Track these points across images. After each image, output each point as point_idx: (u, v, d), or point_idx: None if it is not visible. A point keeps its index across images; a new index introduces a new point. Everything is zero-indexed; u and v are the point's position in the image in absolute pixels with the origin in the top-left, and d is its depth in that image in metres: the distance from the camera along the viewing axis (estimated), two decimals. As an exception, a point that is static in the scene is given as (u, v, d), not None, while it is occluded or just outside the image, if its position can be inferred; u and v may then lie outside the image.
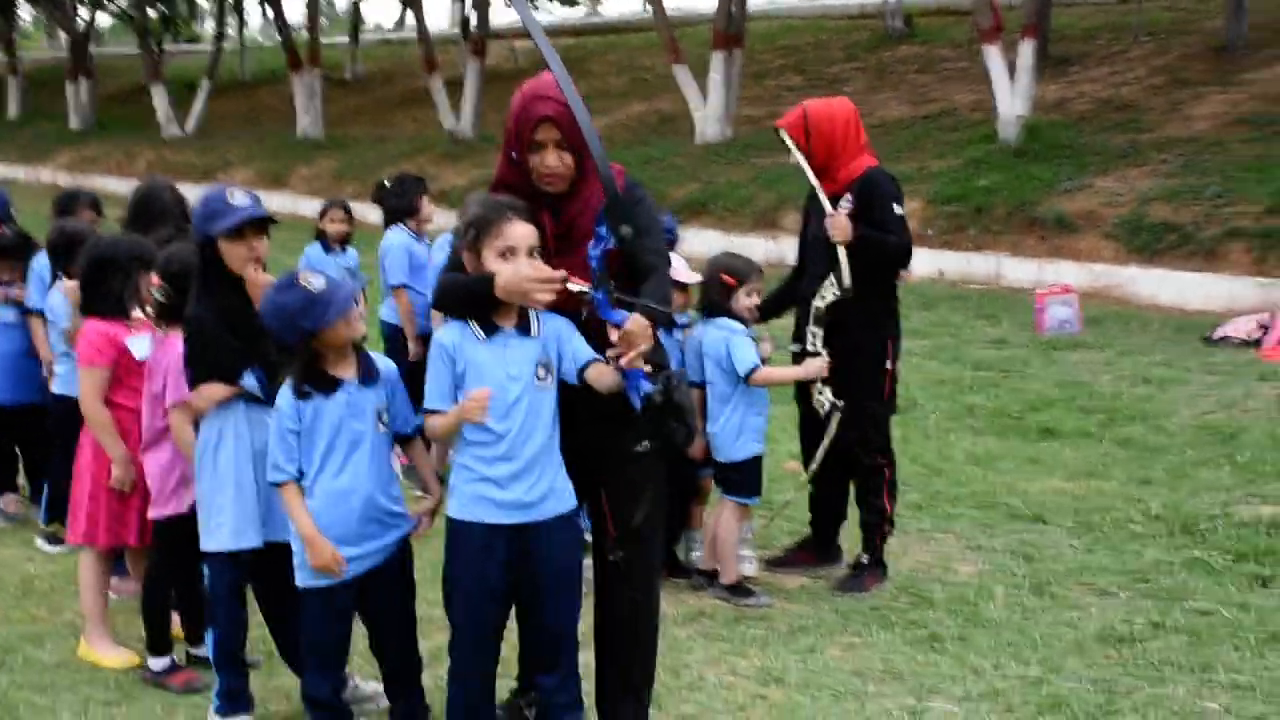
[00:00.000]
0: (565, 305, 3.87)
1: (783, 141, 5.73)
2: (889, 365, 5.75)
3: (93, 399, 4.96)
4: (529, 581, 3.92)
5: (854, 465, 5.83)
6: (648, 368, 3.65)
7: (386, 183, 7.82)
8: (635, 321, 3.61)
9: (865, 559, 5.81)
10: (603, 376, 3.80)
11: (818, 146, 5.61)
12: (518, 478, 3.84)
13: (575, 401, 3.95)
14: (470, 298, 3.87)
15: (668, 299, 3.92)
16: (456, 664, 4.01)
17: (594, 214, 3.91)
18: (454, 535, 3.94)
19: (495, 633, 4.01)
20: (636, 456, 3.93)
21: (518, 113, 3.89)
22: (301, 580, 4.05)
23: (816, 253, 5.68)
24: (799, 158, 5.64)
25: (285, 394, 3.96)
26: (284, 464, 3.96)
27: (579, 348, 3.88)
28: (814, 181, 5.61)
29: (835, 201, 5.58)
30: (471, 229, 3.83)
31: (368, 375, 4.06)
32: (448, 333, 3.92)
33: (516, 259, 3.77)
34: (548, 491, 3.89)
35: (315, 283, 3.96)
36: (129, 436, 4.96)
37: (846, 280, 5.47)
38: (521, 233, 3.78)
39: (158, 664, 4.83)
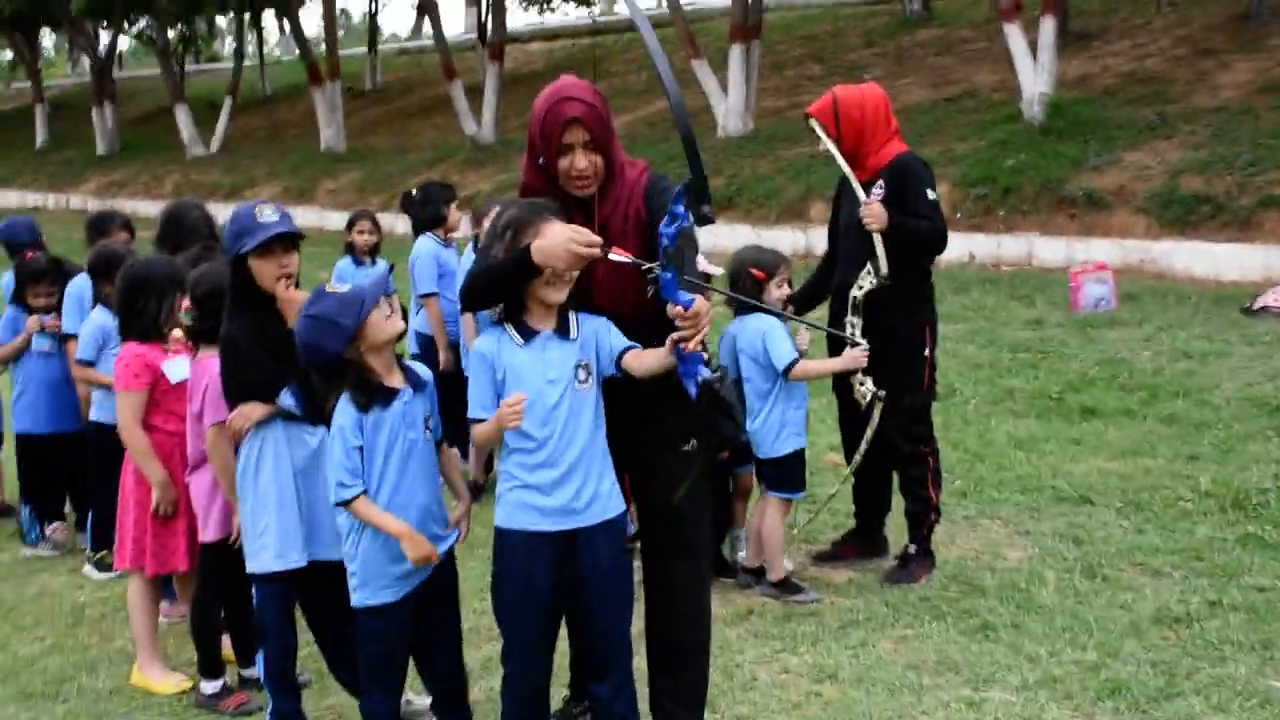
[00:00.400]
0: (606, 303, 3.85)
1: (812, 130, 5.69)
2: (928, 353, 5.70)
3: (131, 423, 4.96)
4: (577, 589, 3.89)
5: (896, 455, 5.78)
6: (707, 354, 3.58)
7: (414, 192, 7.82)
8: (702, 303, 3.53)
9: (913, 549, 5.76)
10: (641, 360, 3.76)
11: (848, 133, 5.57)
12: (561, 483, 3.81)
13: (610, 406, 3.92)
14: (504, 277, 3.78)
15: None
16: (509, 673, 3.99)
17: (624, 213, 3.87)
18: (500, 544, 3.91)
19: (545, 641, 3.98)
20: (679, 454, 3.89)
21: (542, 117, 3.85)
22: (360, 600, 4.01)
23: (851, 241, 5.64)
24: (830, 145, 5.60)
25: (345, 410, 3.91)
26: (349, 481, 3.89)
27: (615, 340, 3.85)
28: (846, 169, 5.57)
29: (867, 189, 5.53)
30: (509, 229, 3.78)
31: (417, 383, 4.03)
32: (486, 340, 3.89)
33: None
34: (593, 496, 3.85)
35: (341, 288, 3.94)
36: (169, 460, 4.97)
37: (884, 268, 5.42)
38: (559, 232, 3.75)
39: (210, 687, 4.82)
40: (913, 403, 5.69)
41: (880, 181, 5.55)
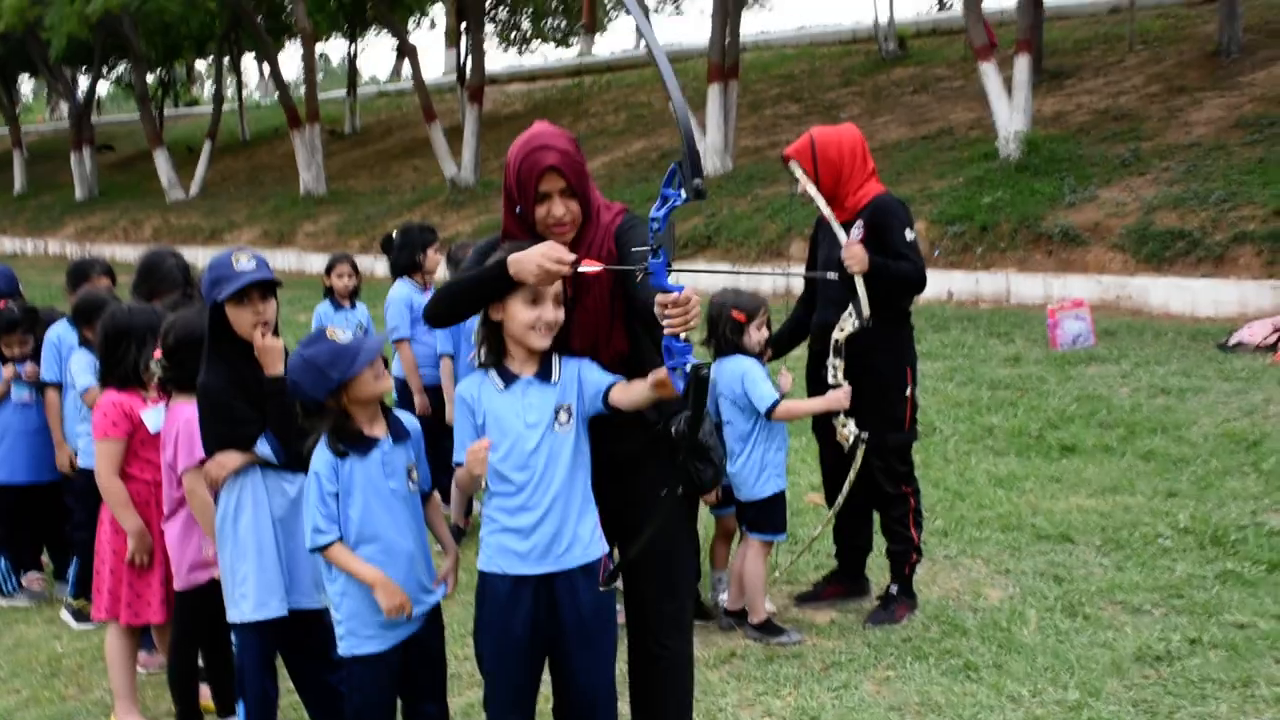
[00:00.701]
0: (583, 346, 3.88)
1: (789, 171, 5.72)
2: (909, 393, 5.72)
3: (107, 472, 4.95)
4: (558, 634, 3.87)
5: (877, 495, 5.79)
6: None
7: (393, 235, 7.82)
8: (691, 291, 3.47)
9: (894, 589, 5.76)
10: (628, 393, 3.74)
11: (825, 174, 5.61)
12: (539, 525, 3.79)
13: (593, 446, 3.92)
14: (476, 287, 3.80)
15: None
16: (491, 718, 3.97)
17: (597, 253, 3.84)
18: (481, 587, 3.90)
19: (526, 686, 3.95)
20: (659, 499, 3.89)
21: (518, 166, 3.84)
22: (346, 649, 3.98)
23: (830, 282, 5.66)
24: (809, 186, 5.62)
25: (321, 454, 3.92)
26: (325, 526, 3.90)
27: (599, 378, 3.84)
28: (825, 210, 5.59)
29: (846, 229, 5.57)
30: (497, 297, 3.79)
31: (399, 433, 4.04)
32: (468, 385, 3.89)
33: (544, 304, 3.75)
34: (572, 539, 3.84)
35: (341, 336, 3.95)
36: (146, 508, 4.96)
37: (866, 311, 5.44)
38: None
39: None
40: (895, 442, 5.70)
41: (859, 222, 5.58)
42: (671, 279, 3.43)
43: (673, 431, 3.84)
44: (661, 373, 3.53)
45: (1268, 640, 5.16)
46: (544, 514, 3.79)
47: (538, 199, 3.83)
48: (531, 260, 3.62)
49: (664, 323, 3.43)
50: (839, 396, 5.48)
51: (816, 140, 5.67)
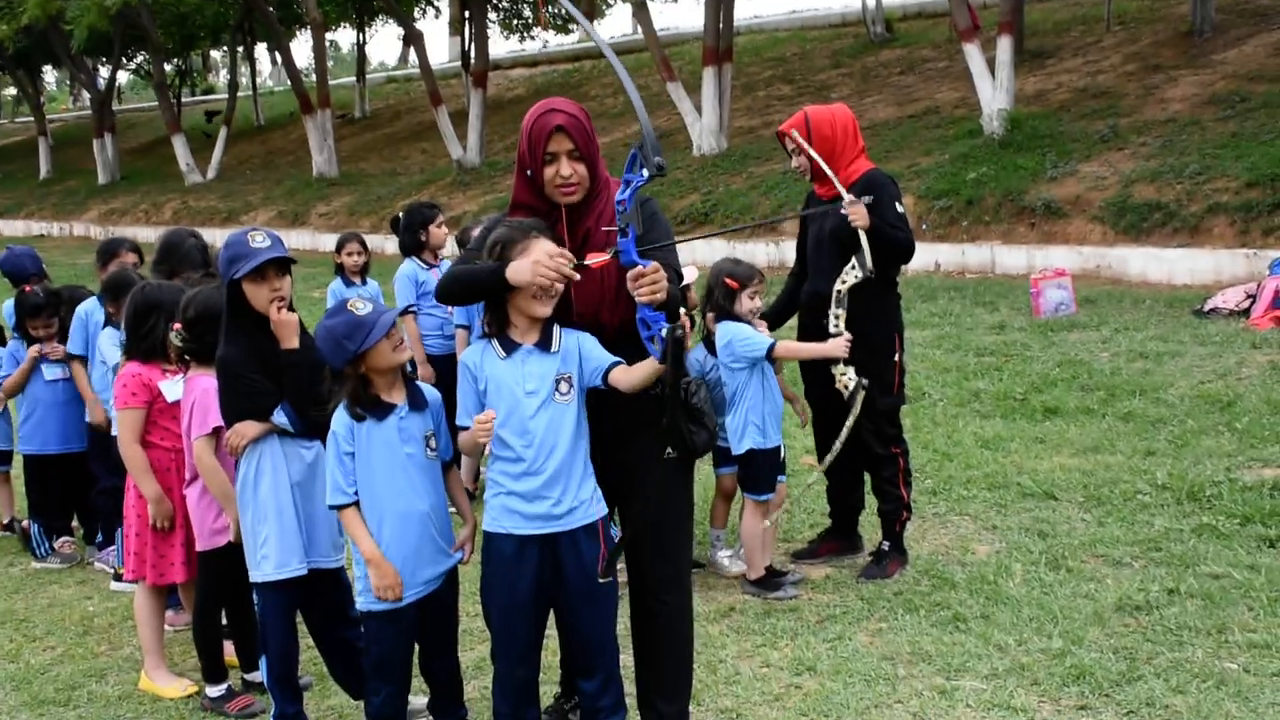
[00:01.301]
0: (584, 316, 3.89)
1: (784, 147, 5.71)
2: (897, 358, 5.72)
3: (129, 440, 4.97)
4: (561, 590, 3.89)
5: (868, 457, 5.79)
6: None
7: (400, 216, 7.82)
8: (655, 264, 3.52)
9: (886, 546, 5.77)
10: (629, 375, 3.75)
11: (820, 149, 5.58)
12: (542, 491, 3.80)
13: (597, 414, 3.92)
14: (479, 286, 3.83)
15: (674, 303, 3.86)
16: (499, 671, 3.98)
17: (607, 224, 3.86)
18: (488, 547, 3.91)
19: (532, 640, 3.96)
20: (650, 467, 3.87)
21: (529, 128, 3.87)
22: (364, 604, 4.01)
23: (823, 254, 5.65)
24: (810, 151, 5.58)
25: (340, 417, 3.93)
26: (345, 486, 3.92)
27: (600, 354, 3.85)
28: (828, 170, 5.54)
29: (837, 202, 5.55)
30: (498, 246, 3.79)
31: (417, 402, 4.04)
32: (471, 352, 3.90)
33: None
34: (575, 503, 3.84)
35: (361, 308, 3.95)
36: (168, 475, 4.98)
37: (869, 263, 5.40)
38: (548, 251, 3.75)
39: (214, 691, 4.80)
40: (884, 406, 5.71)
41: (851, 197, 5.55)
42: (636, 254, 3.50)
43: (663, 394, 3.86)
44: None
45: (1241, 589, 5.17)
46: (548, 480, 3.80)
47: (546, 160, 3.84)
48: (526, 270, 3.66)
49: (635, 294, 3.48)
50: (839, 343, 5.45)
51: (811, 117, 5.65)
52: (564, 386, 3.83)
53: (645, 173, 3.51)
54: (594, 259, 3.69)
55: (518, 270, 3.68)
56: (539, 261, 3.63)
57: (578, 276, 3.68)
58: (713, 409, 4.00)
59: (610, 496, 4.03)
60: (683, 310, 3.69)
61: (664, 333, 3.50)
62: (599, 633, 3.97)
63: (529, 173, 3.90)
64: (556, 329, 3.86)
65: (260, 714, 4.66)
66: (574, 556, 3.85)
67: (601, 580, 3.90)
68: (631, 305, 3.72)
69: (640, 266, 3.48)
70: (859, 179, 5.60)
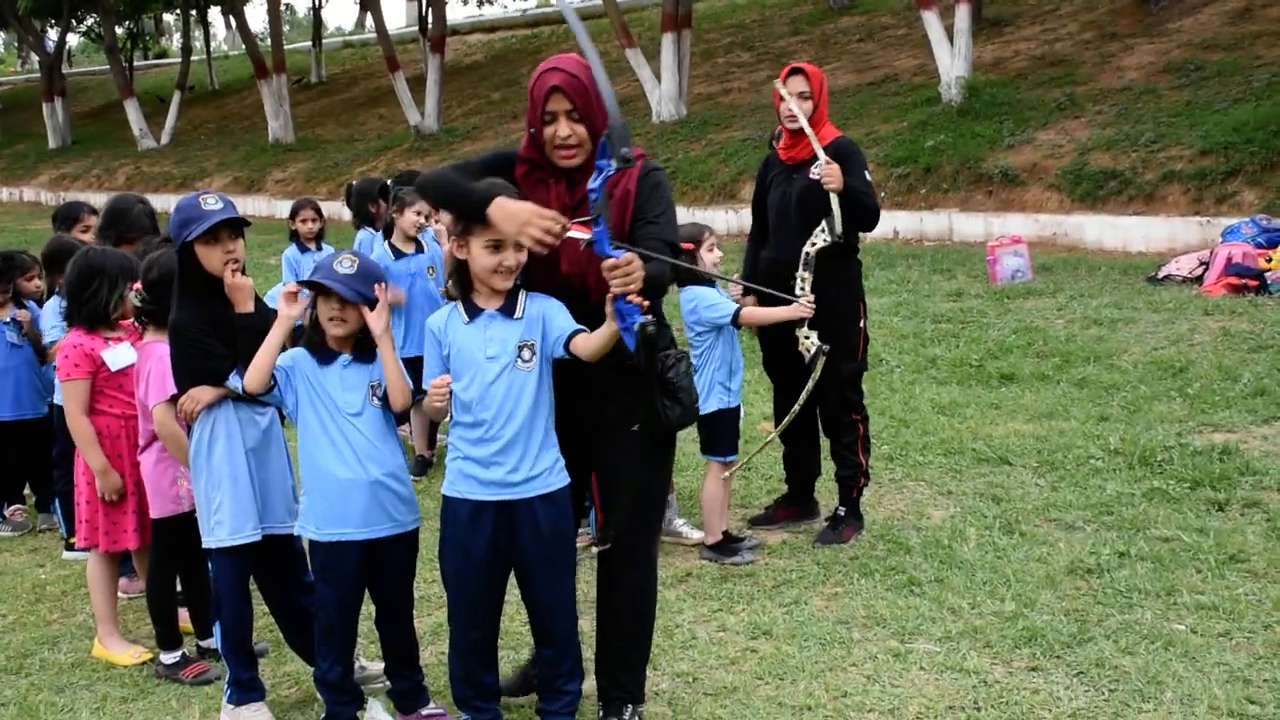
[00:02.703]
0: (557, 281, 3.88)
1: (780, 92, 5.61)
2: (861, 324, 5.74)
3: (75, 411, 4.95)
4: (519, 556, 3.90)
5: (828, 422, 5.82)
6: (645, 303, 3.52)
7: (388, 183, 7.68)
8: (632, 254, 3.49)
9: (843, 511, 5.81)
10: (589, 342, 3.73)
11: (820, 104, 5.61)
12: (499, 457, 3.80)
13: (567, 381, 3.91)
14: (460, 199, 3.82)
15: (663, 281, 3.83)
16: (455, 634, 3.99)
17: (609, 190, 3.80)
18: (445, 509, 3.92)
19: (488, 604, 3.97)
20: (627, 439, 3.86)
21: (532, 88, 3.85)
22: (315, 570, 4.07)
23: (794, 215, 5.61)
24: (796, 109, 5.56)
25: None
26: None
27: (564, 322, 3.83)
28: (809, 131, 5.51)
29: (808, 166, 5.55)
30: (462, 220, 3.79)
31: (364, 354, 4.04)
32: (437, 317, 3.91)
33: (504, 251, 3.73)
34: (532, 471, 3.84)
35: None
36: (117, 442, 4.96)
37: (839, 226, 5.41)
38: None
39: (169, 658, 4.79)
40: (848, 372, 5.72)
41: (823, 159, 5.53)
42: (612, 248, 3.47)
43: (640, 366, 3.85)
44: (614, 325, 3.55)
45: (1190, 552, 5.25)
46: (505, 445, 3.80)
47: (545, 119, 3.82)
48: (516, 220, 3.61)
49: (611, 285, 3.45)
50: (802, 305, 5.45)
51: (810, 72, 5.63)
52: (526, 354, 3.82)
53: (614, 164, 3.47)
54: (577, 230, 3.66)
55: (506, 215, 3.63)
56: (529, 222, 3.59)
57: (557, 243, 3.64)
58: (691, 384, 3.98)
59: (585, 467, 4.03)
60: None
61: (636, 327, 3.47)
62: (557, 600, 3.99)
63: (532, 130, 3.88)
64: (521, 295, 3.85)
65: (215, 680, 4.65)
66: (530, 523, 3.85)
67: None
68: None
69: (614, 258, 3.44)
70: (829, 144, 5.58)
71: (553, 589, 3.97)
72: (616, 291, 3.46)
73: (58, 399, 5.94)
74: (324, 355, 4.01)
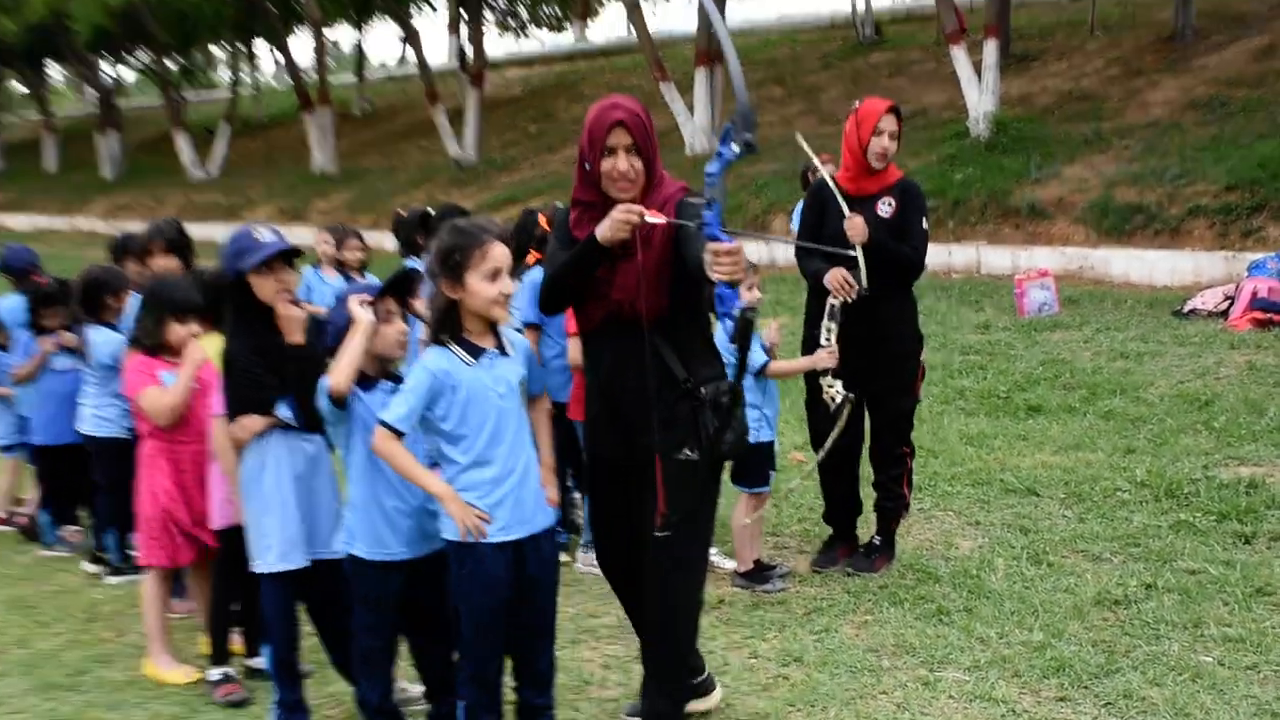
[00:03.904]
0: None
1: (875, 127, 5.49)
2: (921, 358, 5.72)
3: (168, 409, 4.92)
4: (524, 585, 3.84)
5: (877, 457, 5.75)
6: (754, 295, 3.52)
7: (429, 211, 7.71)
8: (739, 243, 3.45)
9: (878, 540, 5.77)
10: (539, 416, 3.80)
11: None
12: (512, 494, 3.76)
13: (619, 410, 3.92)
14: (583, 267, 3.82)
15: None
16: (472, 669, 3.91)
17: (668, 225, 3.81)
18: (463, 554, 3.78)
19: (502, 637, 3.91)
20: (676, 461, 3.85)
21: (591, 122, 3.85)
22: (357, 594, 4.05)
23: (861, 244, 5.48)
24: (819, 166, 5.63)
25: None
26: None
27: (533, 377, 3.95)
28: (834, 187, 5.48)
29: (874, 201, 5.49)
30: (454, 254, 3.71)
31: (401, 380, 4.04)
32: (436, 358, 3.76)
33: (501, 279, 3.71)
34: (535, 504, 3.83)
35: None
36: (178, 462, 5.01)
37: (864, 280, 5.37)
38: (502, 253, 3.73)
39: (214, 674, 4.83)
40: (907, 406, 5.69)
41: (889, 197, 5.51)
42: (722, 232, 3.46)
43: (702, 393, 3.85)
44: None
45: (1217, 584, 5.21)
46: (518, 481, 3.77)
47: (605, 153, 3.82)
48: (609, 225, 3.68)
49: (714, 271, 3.42)
50: (823, 356, 5.42)
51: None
52: (521, 389, 3.85)
53: (736, 149, 3.48)
54: (653, 216, 3.69)
55: (603, 227, 3.70)
56: (615, 217, 3.66)
57: (641, 223, 3.68)
58: (743, 414, 3.93)
59: (632, 493, 4.02)
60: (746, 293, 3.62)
61: (737, 312, 3.48)
62: (550, 623, 3.99)
63: (586, 166, 3.88)
64: (503, 332, 3.86)
65: (241, 704, 4.69)
66: (535, 554, 3.84)
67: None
68: (665, 296, 3.75)
69: (723, 242, 3.41)
70: (895, 183, 5.55)
71: (549, 613, 3.97)
72: (721, 277, 3.43)
73: (89, 429, 6.01)
74: (367, 382, 4.00)
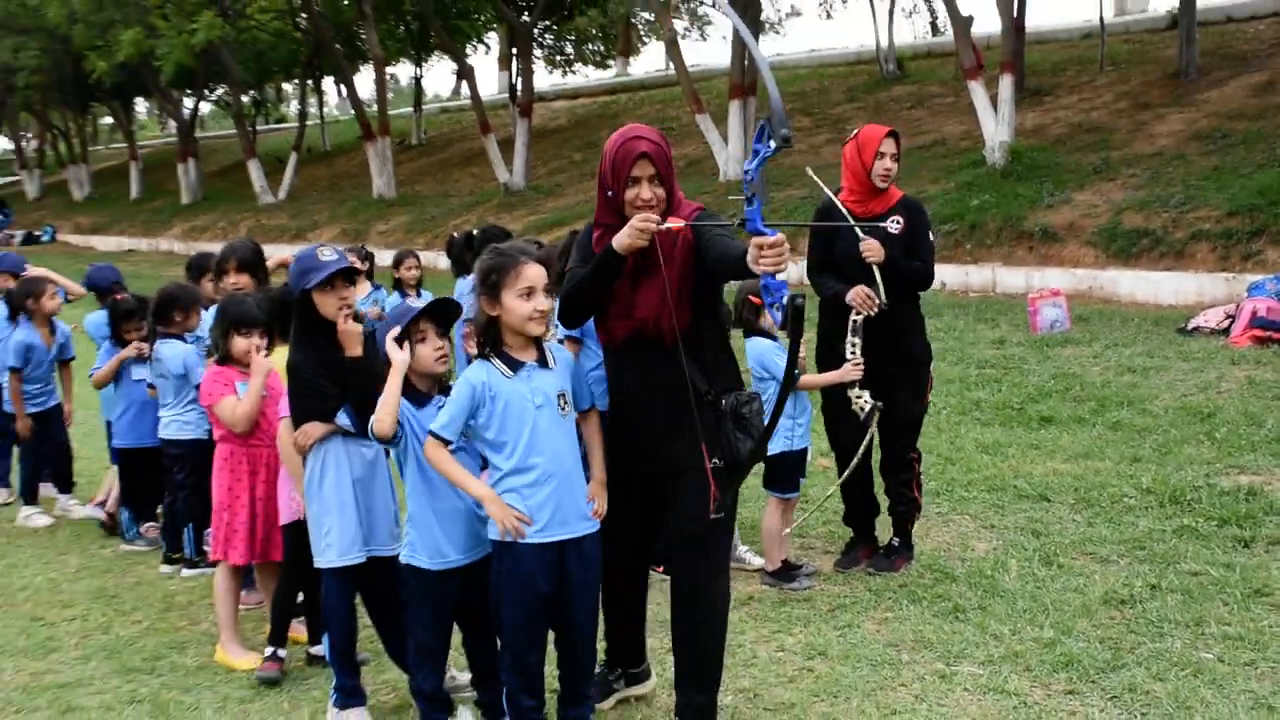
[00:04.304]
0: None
1: (876, 150, 5.48)
2: (931, 369, 5.70)
3: (244, 417, 4.99)
4: (567, 585, 3.83)
5: (888, 462, 5.71)
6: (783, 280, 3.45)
7: (468, 236, 7.74)
8: (781, 236, 3.39)
9: (896, 542, 5.74)
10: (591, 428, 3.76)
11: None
12: (550, 501, 3.75)
13: (639, 420, 3.91)
14: (603, 279, 3.78)
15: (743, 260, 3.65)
16: (510, 659, 3.91)
17: (674, 239, 3.80)
18: (504, 554, 3.80)
19: (544, 632, 3.93)
20: (703, 470, 3.82)
21: (614, 153, 3.83)
22: (406, 557, 4.03)
23: (852, 271, 5.47)
24: (828, 191, 5.60)
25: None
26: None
27: (580, 391, 3.89)
28: (841, 208, 5.49)
29: (884, 219, 5.45)
30: (492, 275, 3.74)
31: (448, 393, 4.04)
32: (476, 371, 3.79)
33: (536, 297, 3.72)
34: (577, 510, 3.82)
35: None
36: (239, 467, 5.07)
37: (883, 296, 5.36)
38: (537, 273, 3.73)
39: (267, 650, 4.89)
40: (917, 414, 5.67)
41: (897, 216, 5.48)
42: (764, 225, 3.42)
43: (723, 404, 3.84)
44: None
45: (1217, 586, 5.15)
46: (557, 487, 3.76)
47: (629, 183, 3.81)
48: (627, 234, 3.64)
49: (759, 264, 3.38)
50: (848, 370, 5.41)
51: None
52: (562, 401, 3.81)
53: (773, 144, 3.43)
54: (673, 222, 3.69)
55: (621, 236, 3.66)
56: (633, 225, 3.62)
57: (657, 230, 3.65)
58: (761, 421, 3.89)
59: (644, 504, 4.01)
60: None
61: (785, 300, 3.42)
62: (592, 620, 3.98)
63: (610, 193, 3.87)
64: (547, 347, 3.85)
65: (274, 684, 4.76)
66: (576, 555, 3.82)
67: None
68: (687, 310, 3.75)
69: (767, 235, 3.37)
70: (898, 202, 5.54)
71: (590, 610, 3.95)
72: (766, 269, 3.38)
73: (172, 434, 6.08)
74: (418, 398, 4.00)
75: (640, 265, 3.81)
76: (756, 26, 22.12)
